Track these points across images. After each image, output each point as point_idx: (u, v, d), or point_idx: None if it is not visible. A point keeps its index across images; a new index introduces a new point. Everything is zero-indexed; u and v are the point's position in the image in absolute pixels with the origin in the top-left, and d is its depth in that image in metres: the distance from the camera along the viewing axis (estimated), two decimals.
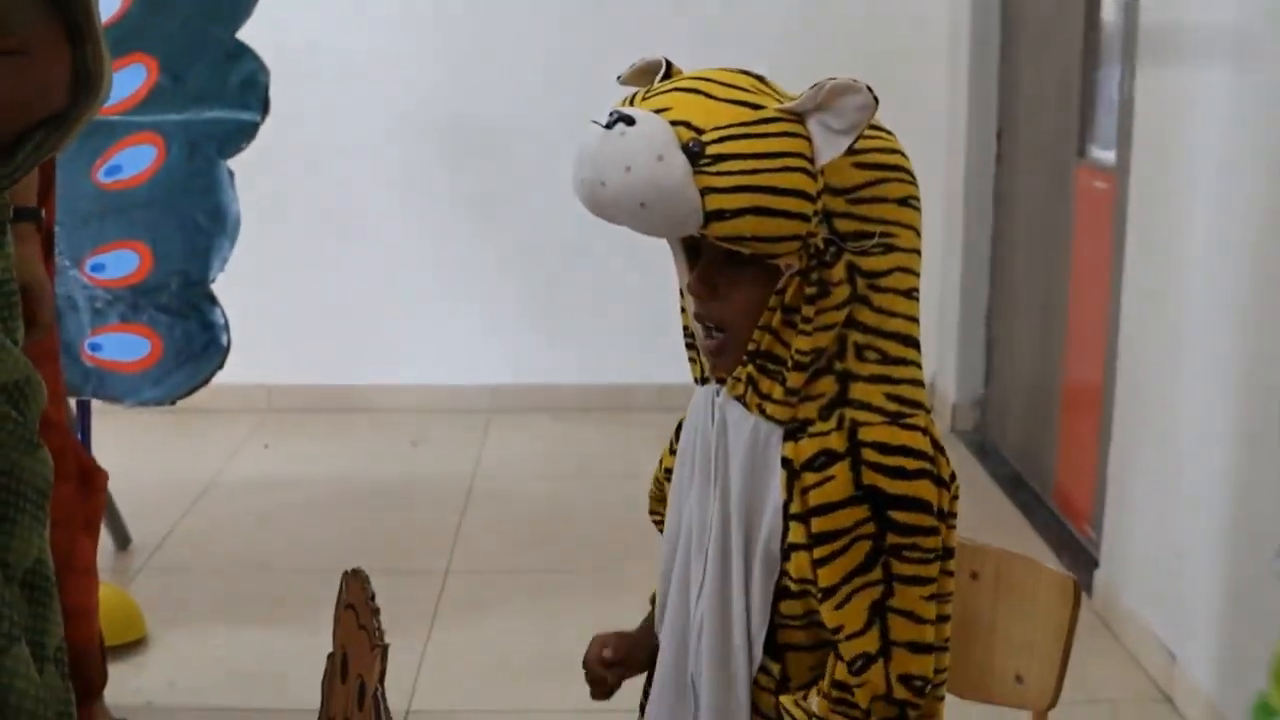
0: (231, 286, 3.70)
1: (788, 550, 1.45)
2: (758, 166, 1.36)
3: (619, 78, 1.52)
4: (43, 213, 2.56)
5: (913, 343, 1.45)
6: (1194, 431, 3.12)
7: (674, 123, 1.37)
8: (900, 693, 1.43)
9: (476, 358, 5.49)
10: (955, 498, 1.47)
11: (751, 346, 1.44)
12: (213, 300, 3.62)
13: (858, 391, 1.42)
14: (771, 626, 1.48)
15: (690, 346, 1.56)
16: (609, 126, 1.39)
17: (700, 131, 1.37)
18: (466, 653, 3.41)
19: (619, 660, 1.67)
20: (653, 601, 1.68)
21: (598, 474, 4.80)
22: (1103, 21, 4.13)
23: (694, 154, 1.36)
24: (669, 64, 1.47)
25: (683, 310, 1.55)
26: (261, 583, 3.85)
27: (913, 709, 1.44)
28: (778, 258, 1.40)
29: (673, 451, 1.65)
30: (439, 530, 4.24)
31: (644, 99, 1.42)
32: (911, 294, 1.45)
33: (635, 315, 5.33)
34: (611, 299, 5.42)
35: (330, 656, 1.61)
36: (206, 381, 3.66)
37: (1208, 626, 3.02)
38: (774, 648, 1.49)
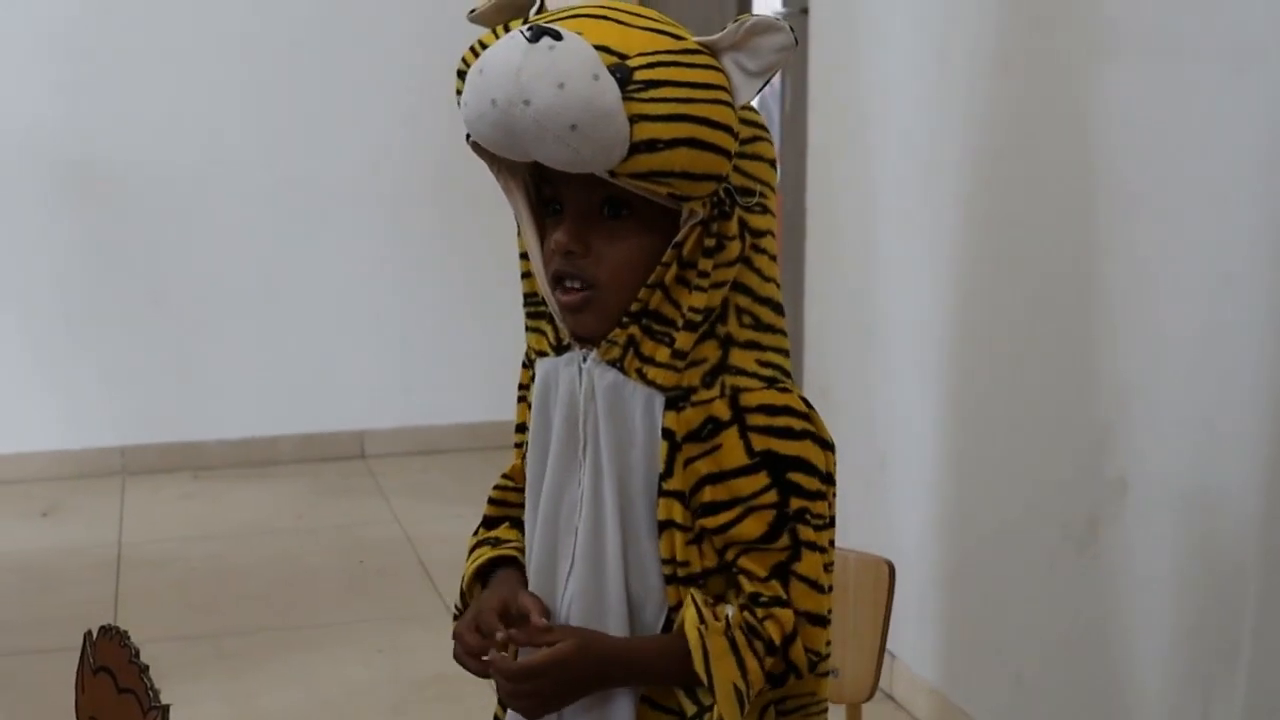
0: None
1: (659, 526, 1.33)
2: (692, 96, 1.24)
3: (471, 12, 1.36)
4: None
5: (781, 310, 1.36)
6: None
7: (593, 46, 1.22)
8: (796, 655, 1.32)
9: (104, 417, 5.03)
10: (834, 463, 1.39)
11: (636, 306, 1.30)
12: None
13: (736, 358, 1.32)
14: None
15: (536, 315, 1.40)
16: (533, 40, 1.21)
17: (624, 57, 1.23)
18: None
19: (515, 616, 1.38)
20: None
21: (255, 530, 4.47)
22: None
23: (621, 79, 1.22)
24: None
25: (524, 276, 1.39)
26: None
27: (796, 678, 1.33)
28: (691, 200, 1.27)
29: (521, 429, 1.46)
30: (94, 602, 3.84)
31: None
32: (775, 260, 1.36)
33: (275, 363, 5.00)
34: (246, 347, 5.06)
35: None
36: None
37: None
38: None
